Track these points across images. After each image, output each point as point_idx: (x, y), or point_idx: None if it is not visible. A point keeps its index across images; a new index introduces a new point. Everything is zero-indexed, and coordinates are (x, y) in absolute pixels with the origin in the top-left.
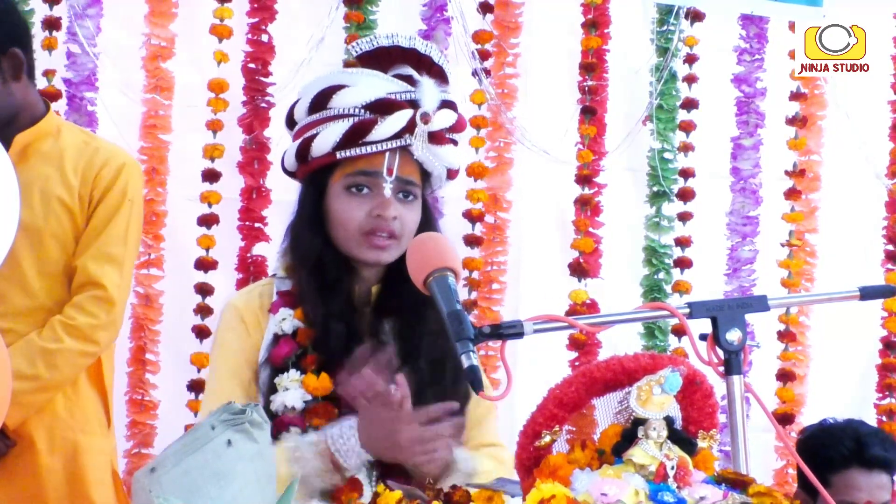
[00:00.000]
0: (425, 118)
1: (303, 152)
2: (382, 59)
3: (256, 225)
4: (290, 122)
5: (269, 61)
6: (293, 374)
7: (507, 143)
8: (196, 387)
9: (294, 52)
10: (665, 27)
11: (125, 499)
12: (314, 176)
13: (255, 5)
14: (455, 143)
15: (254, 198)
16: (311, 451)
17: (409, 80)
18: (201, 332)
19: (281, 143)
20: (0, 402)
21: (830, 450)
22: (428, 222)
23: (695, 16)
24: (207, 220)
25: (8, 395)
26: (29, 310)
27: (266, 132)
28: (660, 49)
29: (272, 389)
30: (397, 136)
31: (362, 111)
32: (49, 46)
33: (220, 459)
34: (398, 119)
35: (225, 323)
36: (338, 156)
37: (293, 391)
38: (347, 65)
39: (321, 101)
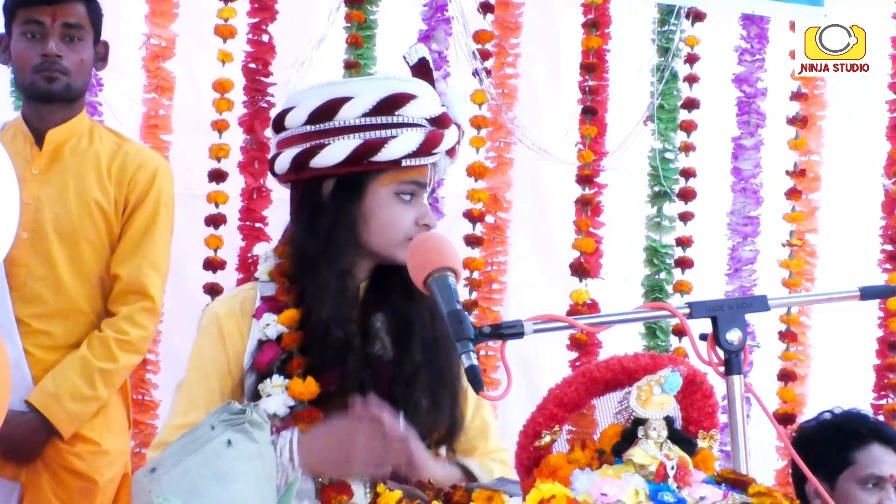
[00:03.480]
0: (461, 134)
1: (364, 154)
2: (425, 71)
3: (257, 225)
4: (328, 114)
5: (270, 61)
6: (277, 379)
7: (508, 143)
8: None
9: (295, 52)
10: (666, 27)
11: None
12: (350, 179)
13: (256, 5)
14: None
15: (254, 198)
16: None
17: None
18: None
19: None
20: (0, 402)
21: (855, 425)
22: None
23: (696, 16)
24: (215, 220)
25: (8, 394)
26: (63, 312)
27: (266, 132)
28: (661, 49)
29: (256, 396)
30: (448, 149)
31: (429, 123)
32: None
33: (220, 459)
34: (452, 134)
35: (202, 329)
36: (403, 163)
37: (276, 397)
38: (349, 65)
39: (387, 107)
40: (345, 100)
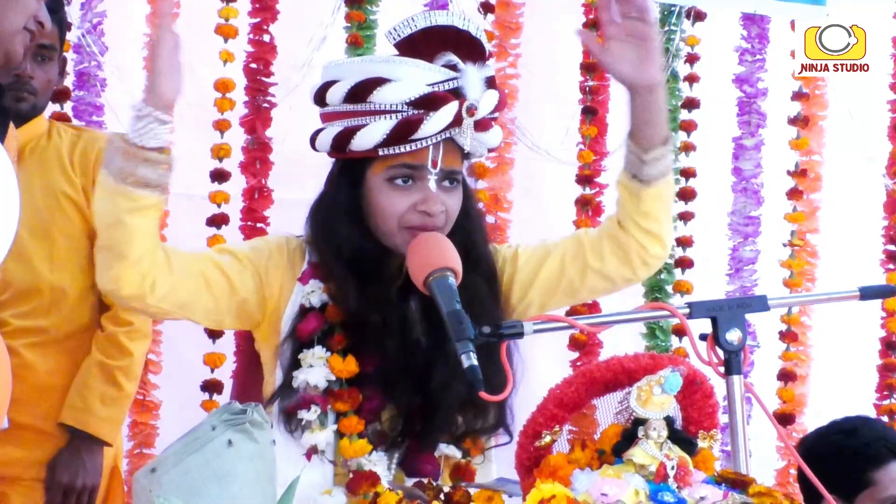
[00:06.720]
0: (471, 111)
1: (340, 143)
2: (422, 45)
3: (259, 225)
4: (321, 101)
5: (271, 61)
6: (319, 350)
7: (508, 143)
8: (209, 387)
9: (296, 52)
10: (666, 27)
11: (122, 498)
12: (349, 165)
13: (257, 5)
14: (496, 121)
15: (256, 198)
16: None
17: (452, 67)
18: (212, 333)
19: (284, 143)
20: (0, 402)
21: (874, 443)
22: (467, 200)
23: (696, 15)
24: (216, 220)
25: (8, 394)
26: (50, 306)
27: (268, 132)
28: (661, 49)
29: (296, 364)
30: (443, 131)
31: (407, 107)
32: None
33: (220, 459)
34: (445, 114)
35: (253, 245)
36: (380, 153)
37: (318, 369)
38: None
39: (360, 93)
40: (331, 84)
